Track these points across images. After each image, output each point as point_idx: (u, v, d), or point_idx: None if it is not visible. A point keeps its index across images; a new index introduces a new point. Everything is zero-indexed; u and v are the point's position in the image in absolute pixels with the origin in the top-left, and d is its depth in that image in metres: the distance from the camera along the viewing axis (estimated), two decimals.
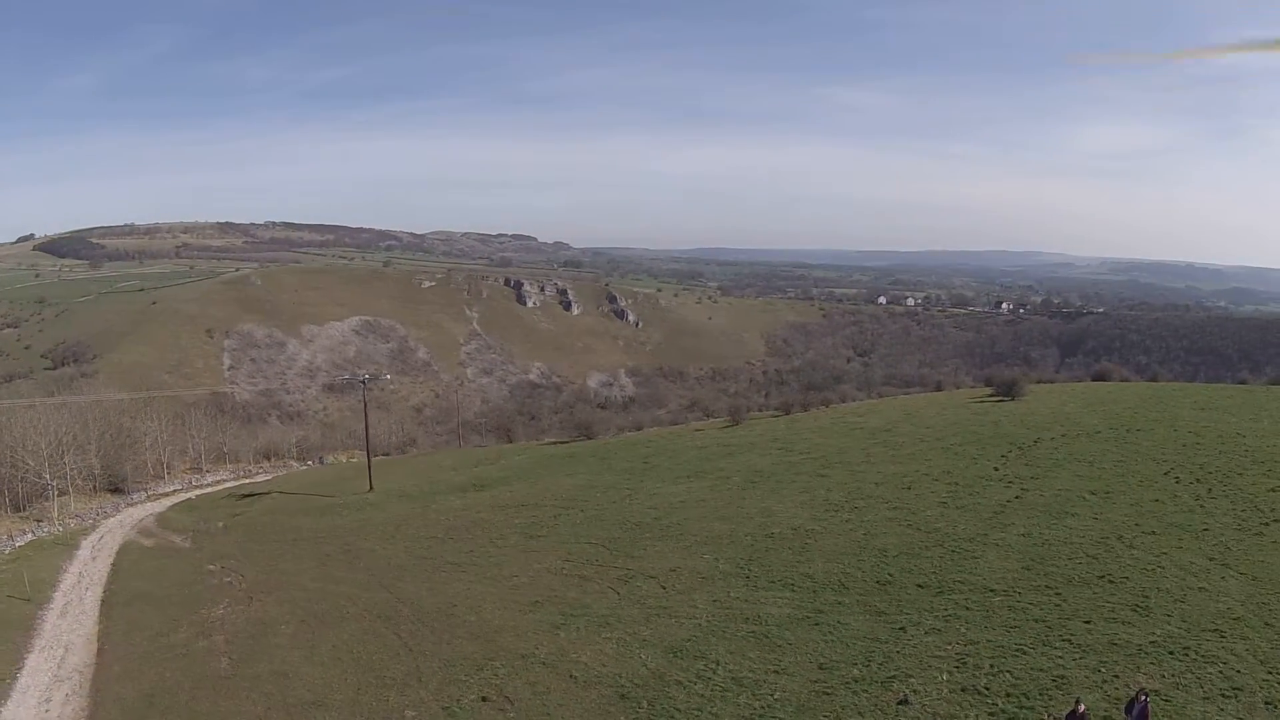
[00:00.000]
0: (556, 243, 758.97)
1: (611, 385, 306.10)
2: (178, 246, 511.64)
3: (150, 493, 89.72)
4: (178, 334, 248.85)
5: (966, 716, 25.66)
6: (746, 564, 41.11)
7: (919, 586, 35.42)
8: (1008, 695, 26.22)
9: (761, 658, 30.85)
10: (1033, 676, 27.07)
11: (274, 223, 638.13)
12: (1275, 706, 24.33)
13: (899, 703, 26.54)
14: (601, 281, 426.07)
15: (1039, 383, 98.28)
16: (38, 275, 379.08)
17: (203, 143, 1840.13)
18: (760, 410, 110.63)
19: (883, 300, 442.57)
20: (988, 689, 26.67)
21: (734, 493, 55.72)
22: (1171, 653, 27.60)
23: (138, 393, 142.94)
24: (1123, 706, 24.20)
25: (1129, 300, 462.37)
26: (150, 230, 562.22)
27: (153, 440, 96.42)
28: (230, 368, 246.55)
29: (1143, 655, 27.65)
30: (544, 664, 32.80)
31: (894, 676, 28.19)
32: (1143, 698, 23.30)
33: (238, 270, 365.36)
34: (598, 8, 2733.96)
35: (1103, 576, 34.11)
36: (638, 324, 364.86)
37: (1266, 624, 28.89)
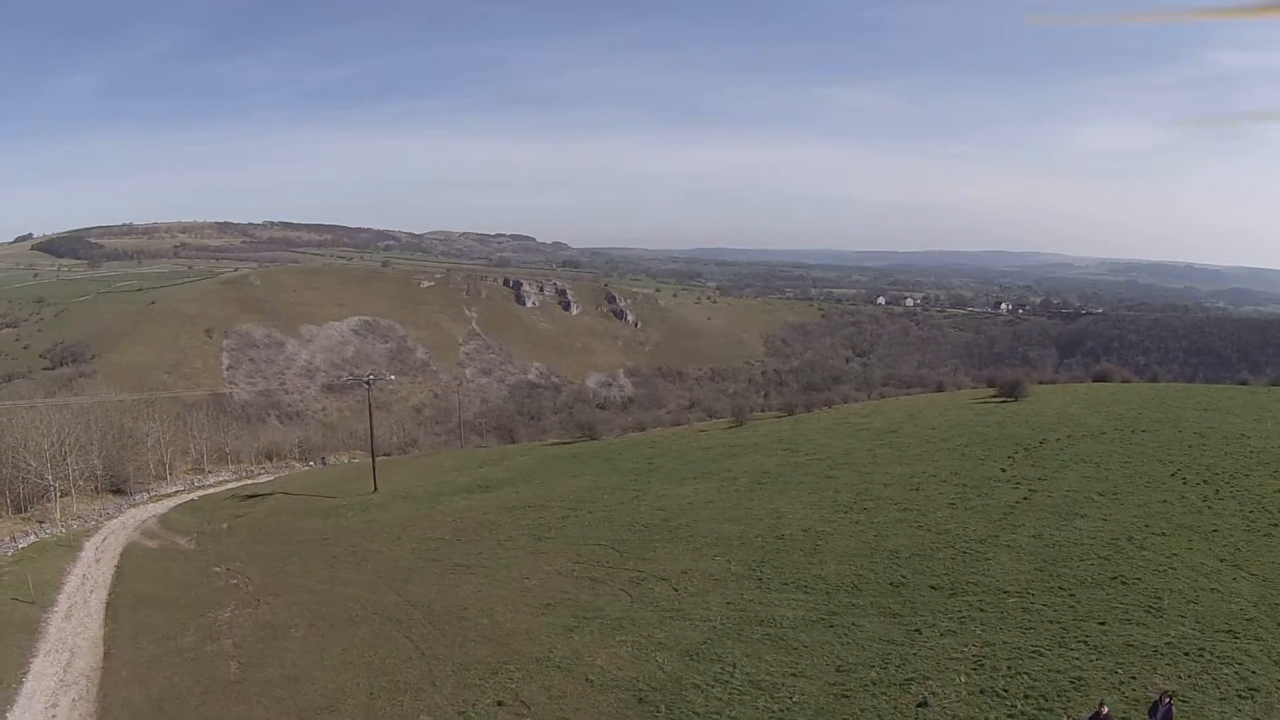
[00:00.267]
0: (555, 243, 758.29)
1: (611, 385, 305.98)
2: (176, 246, 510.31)
3: (152, 493, 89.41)
4: (176, 334, 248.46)
5: (986, 719, 25.62)
6: (758, 566, 41.03)
7: (932, 588, 35.36)
8: (1026, 697, 26.16)
9: (778, 660, 30.75)
10: (1051, 678, 27.01)
11: (272, 222, 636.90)
12: None
13: (918, 705, 26.48)
14: (600, 282, 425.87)
15: (1040, 383, 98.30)
16: (36, 275, 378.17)
17: (201, 142, 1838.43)
18: (763, 411, 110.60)
19: (881, 301, 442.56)
20: (1006, 691, 26.61)
21: (742, 494, 55.67)
22: (1187, 654, 27.56)
23: (137, 393, 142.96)
24: (1146, 709, 24.12)
25: (1128, 301, 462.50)
26: (149, 230, 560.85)
27: (154, 441, 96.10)
28: (229, 368, 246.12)
29: (1159, 656, 27.60)
30: (559, 668, 32.66)
31: (912, 679, 28.12)
32: (1166, 700, 23.23)
33: (236, 270, 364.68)
34: (597, 7, 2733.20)
35: (1115, 578, 34.07)
36: (637, 324, 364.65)
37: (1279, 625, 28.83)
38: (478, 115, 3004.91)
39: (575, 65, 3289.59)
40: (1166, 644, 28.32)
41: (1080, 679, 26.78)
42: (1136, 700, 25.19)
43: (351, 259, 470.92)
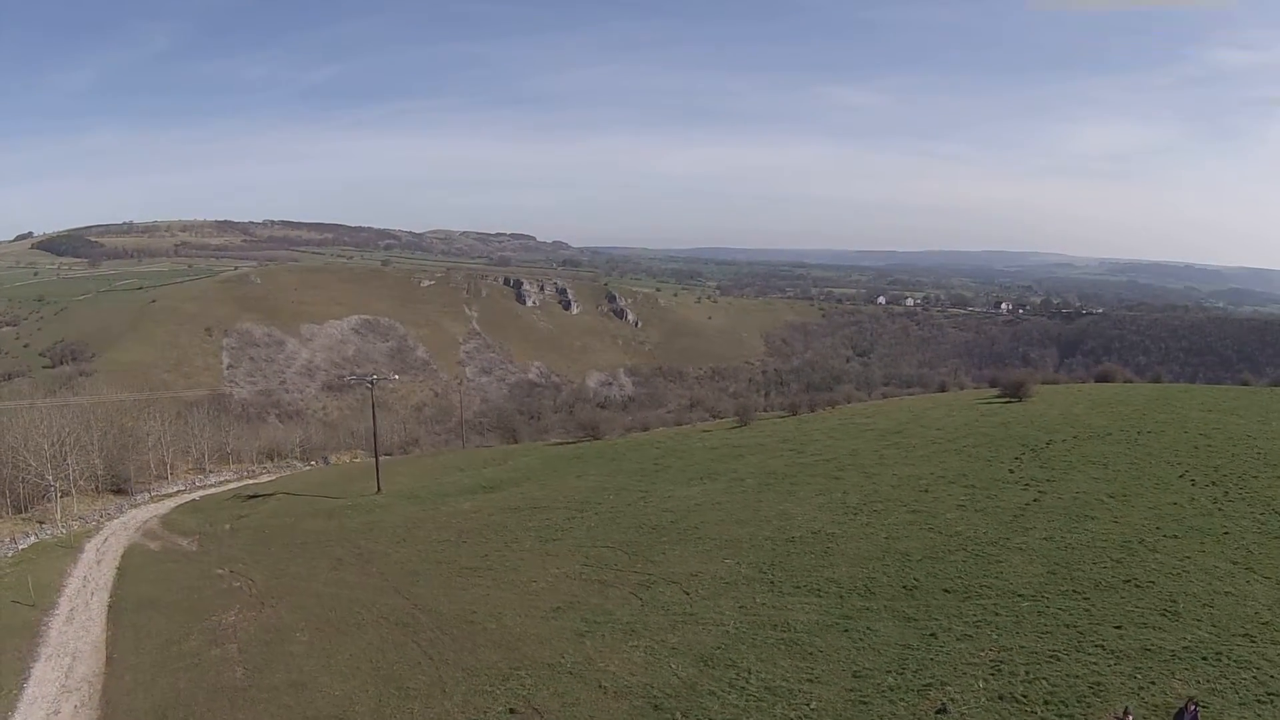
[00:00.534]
0: (555, 242, 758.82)
1: (611, 385, 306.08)
2: (176, 245, 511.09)
3: (153, 493, 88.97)
4: (176, 333, 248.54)
5: None
6: (769, 568, 40.71)
7: (946, 591, 35.07)
8: (1046, 703, 25.87)
9: (793, 666, 30.43)
10: (1069, 683, 26.72)
11: (272, 221, 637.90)
12: None
13: (937, 711, 26.16)
14: (600, 281, 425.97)
15: (1043, 383, 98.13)
16: (36, 273, 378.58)
17: (201, 141, 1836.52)
18: (767, 411, 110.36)
19: (882, 300, 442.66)
20: (1025, 696, 26.31)
21: (749, 495, 55.38)
22: (1204, 658, 27.30)
23: (137, 391, 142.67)
24: (1171, 716, 23.85)
25: (1128, 301, 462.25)
26: (149, 228, 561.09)
27: (155, 440, 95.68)
28: (229, 366, 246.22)
29: (1176, 661, 27.33)
30: (571, 674, 32.24)
31: (930, 684, 27.81)
32: (1192, 707, 22.98)
33: (236, 269, 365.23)
34: (597, 6, 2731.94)
35: (1129, 581, 33.82)
36: (637, 323, 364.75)
37: None
38: (478, 114, 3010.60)
39: (575, 64, 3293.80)
40: (1184, 648, 28.06)
41: (1099, 684, 26.49)
42: (1157, 706, 24.92)
43: (352, 258, 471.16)
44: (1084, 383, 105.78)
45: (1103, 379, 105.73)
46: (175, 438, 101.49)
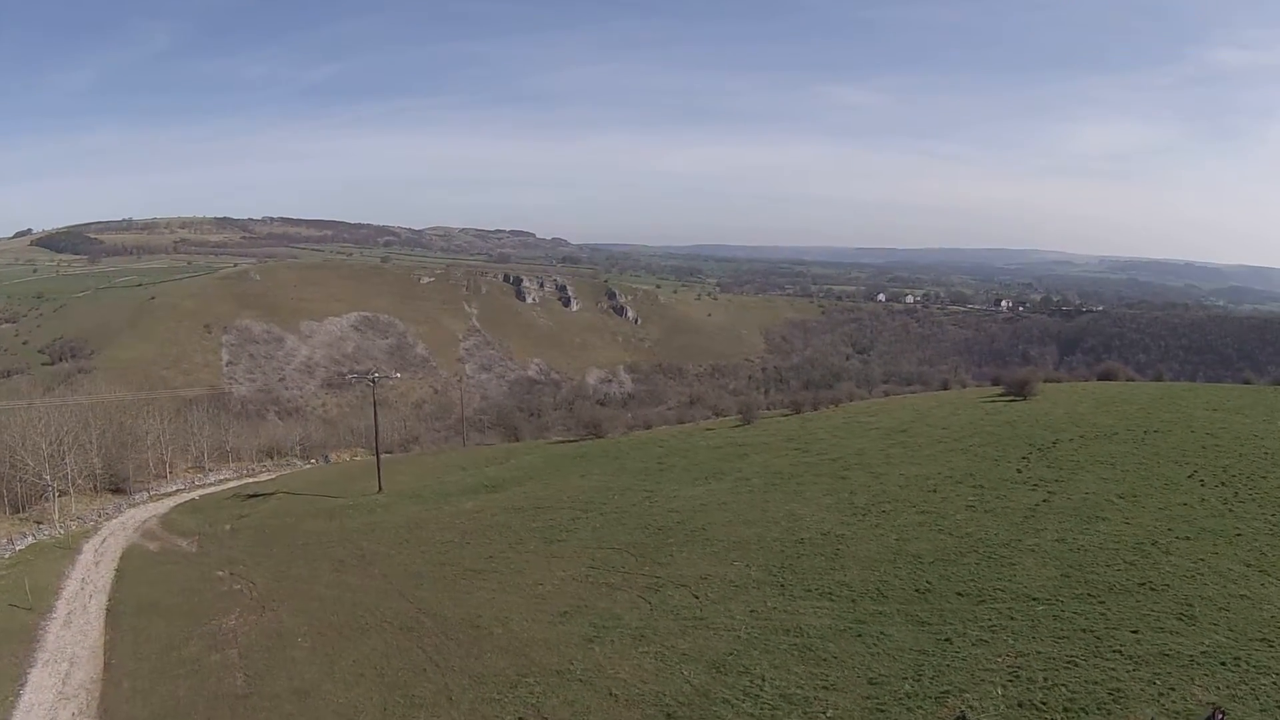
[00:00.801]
0: (554, 239, 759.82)
1: (610, 382, 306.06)
2: (176, 242, 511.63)
3: (152, 493, 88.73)
4: (176, 330, 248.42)
5: None
6: (779, 571, 40.15)
7: (959, 595, 34.53)
8: (1066, 710, 25.34)
9: (808, 672, 29.86)
10: (1088, 690, 26.20)
11: (272, 218, 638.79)
12: None
13: (956, 719, 25.70)
14: (600, 278, 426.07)
15: (1046, 381, 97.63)
16: (35, 270, 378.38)
17: (200, 139, 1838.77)
18: (769, 408, 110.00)
19: (882, 298, 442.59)
20: (1045, 704, 25.79)
21: (756, 495, 54.82)
22: (1223, 663, 26.78)
23: (137, 388, 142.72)
24: None
25: (1128, 299, 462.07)
26: (148, 225, 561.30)
27: (154, 439, 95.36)
28: (228, 363, 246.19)
29: (1195, 666, 26.80)
30: (581, 681, 31.64)
31: (947, 691, 27.27)
32: (1220, 717, 22.51)
33: (236, 266, 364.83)
34: (596, 4, 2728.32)
35: (1144, 584, 33.30)
36: (637, 320, 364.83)
37: None
38: (477, 112, 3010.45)
39: (574, 63, 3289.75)
40: (1202, 653, 27.52)
41: (1118, 690, 25.98)
42: (1178, 713, 24.42)
43: (351, 254, 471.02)
44: (1086, 381, 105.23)
45: (1105, 377, 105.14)
46: (174, 436, 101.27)
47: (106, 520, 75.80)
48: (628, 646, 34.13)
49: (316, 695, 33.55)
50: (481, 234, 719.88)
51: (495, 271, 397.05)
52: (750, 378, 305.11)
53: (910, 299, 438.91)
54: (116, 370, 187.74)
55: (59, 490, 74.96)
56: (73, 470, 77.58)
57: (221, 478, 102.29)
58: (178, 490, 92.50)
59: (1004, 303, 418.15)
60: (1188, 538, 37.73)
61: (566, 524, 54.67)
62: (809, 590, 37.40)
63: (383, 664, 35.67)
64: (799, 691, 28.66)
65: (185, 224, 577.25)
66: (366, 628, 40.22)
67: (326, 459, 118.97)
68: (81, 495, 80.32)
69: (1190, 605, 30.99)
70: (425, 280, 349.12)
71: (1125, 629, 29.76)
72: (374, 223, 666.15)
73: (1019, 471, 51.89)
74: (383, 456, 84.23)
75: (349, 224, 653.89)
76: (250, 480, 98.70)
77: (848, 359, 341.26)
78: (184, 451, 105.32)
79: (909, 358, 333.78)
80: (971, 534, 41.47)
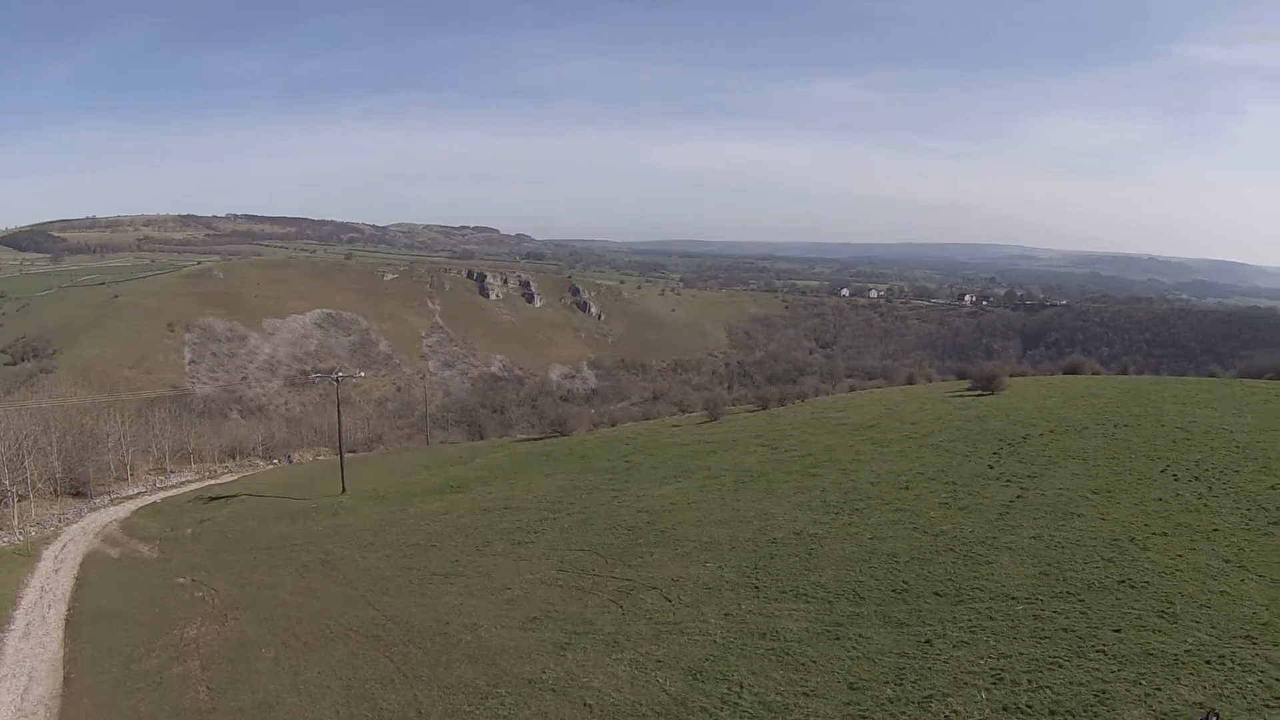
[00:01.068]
0: (519, 235, 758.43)
1: (574, 377, 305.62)
2: (139, 240, 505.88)
3: (114, 496, 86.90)
4: (139, 328, 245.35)
5: None
6: (753, 572, 39.35)
7: (937, 595, 33.97)
8: (1052, 713, 24.80)
9: (786, 678, 29.07)
10: (1074, 692, 25.70)
11: (236, 215, 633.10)
12: None
13: None
14: (564, 274, 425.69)
15: (1012, 375, 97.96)
16: None
17: (164, 136, 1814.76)
18: (734, 404, 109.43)
19: (845, 292, 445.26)
20: (1030, 707, 25.24)
21: (726, 494, 54.05)
22: (1208, 662, 26.40)
23: (99, 389, 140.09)
24: None
25: (1091, 293, 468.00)
26: (111, 223, 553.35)
27: (115, 440, 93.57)
28: (191, 362, 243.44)
29: (1180, 665, 26.40)
30: (554, 690, 30.59)
31: (930, 696, 26.64)
32: (1212, 719, 22.09)
33: (199, 263, 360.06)
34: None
35: (1123, 581, 32.96)
36: (600, 316, 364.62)
37: None
38: (442, 110, 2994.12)
39: (542, 60, 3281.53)
40: (1185, 652, 27.14)
41: (1104, 692, 25.49)
42: (1164, 714, 23.99)
43: (315, 251, 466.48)
44: (1052, 375, 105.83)
45: (1071, 371, 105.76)
46: (136, 437, 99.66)
47: (67, 525, 73.89)
48: (601, 653, 33.13)
49: (281, 709, 32.26)
50: (446, 230, 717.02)
51: (459, 268, 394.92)
52: (714, 373, 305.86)
53: (874, 293, 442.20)
54: (79, 370, 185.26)
55: (18, 495, 72.84)
56: (32, 474, 75.61)
57: (183, 479, 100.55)
58: (139, 493, 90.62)
59: (968, 297, 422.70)
60: (1164, 533, 37.49)
61: (534, 525, 53.59)
62: (784, 592, 36.65)
63: (349, 675, 34.39)
64: (779, 699, 27.86)
65: (149, 222, 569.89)
66: (332, 636, 38.96)
67: (289, 459, 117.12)
68: (41, 499, 78.24)
69: (1171, 603, 30.66)
70: (389, 277, 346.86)
71: (1107, 628, 29.33)
72: (338, 219, 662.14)
73: (991, 468, 51.58)
74: (346, 456, 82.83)
75: (313, 221, 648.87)
76: (213, 482, 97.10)
77: (811, 354, 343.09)
78: (145, 453, 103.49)
79: (873, 352, 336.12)
80: (946, 532, 40.99)
